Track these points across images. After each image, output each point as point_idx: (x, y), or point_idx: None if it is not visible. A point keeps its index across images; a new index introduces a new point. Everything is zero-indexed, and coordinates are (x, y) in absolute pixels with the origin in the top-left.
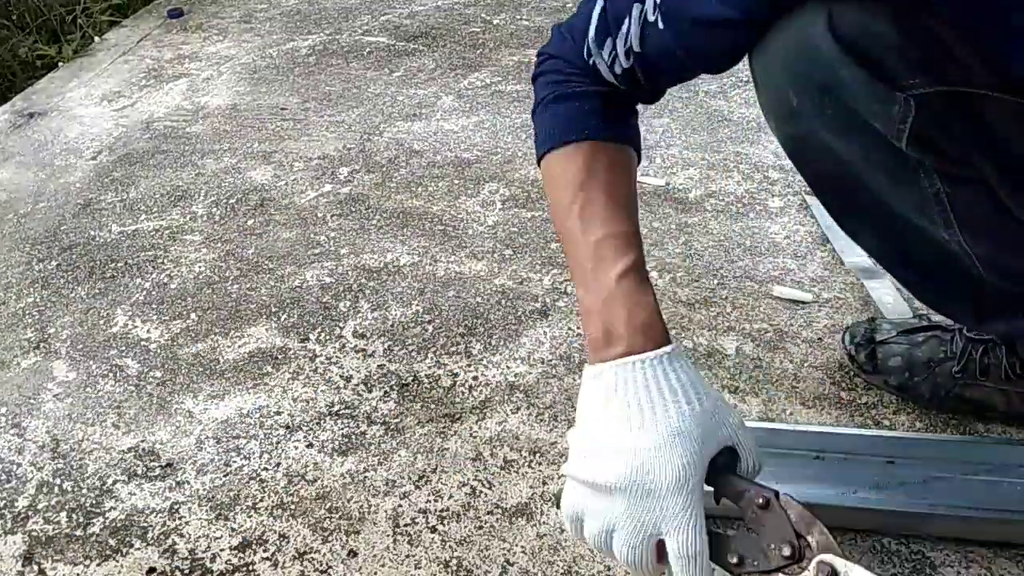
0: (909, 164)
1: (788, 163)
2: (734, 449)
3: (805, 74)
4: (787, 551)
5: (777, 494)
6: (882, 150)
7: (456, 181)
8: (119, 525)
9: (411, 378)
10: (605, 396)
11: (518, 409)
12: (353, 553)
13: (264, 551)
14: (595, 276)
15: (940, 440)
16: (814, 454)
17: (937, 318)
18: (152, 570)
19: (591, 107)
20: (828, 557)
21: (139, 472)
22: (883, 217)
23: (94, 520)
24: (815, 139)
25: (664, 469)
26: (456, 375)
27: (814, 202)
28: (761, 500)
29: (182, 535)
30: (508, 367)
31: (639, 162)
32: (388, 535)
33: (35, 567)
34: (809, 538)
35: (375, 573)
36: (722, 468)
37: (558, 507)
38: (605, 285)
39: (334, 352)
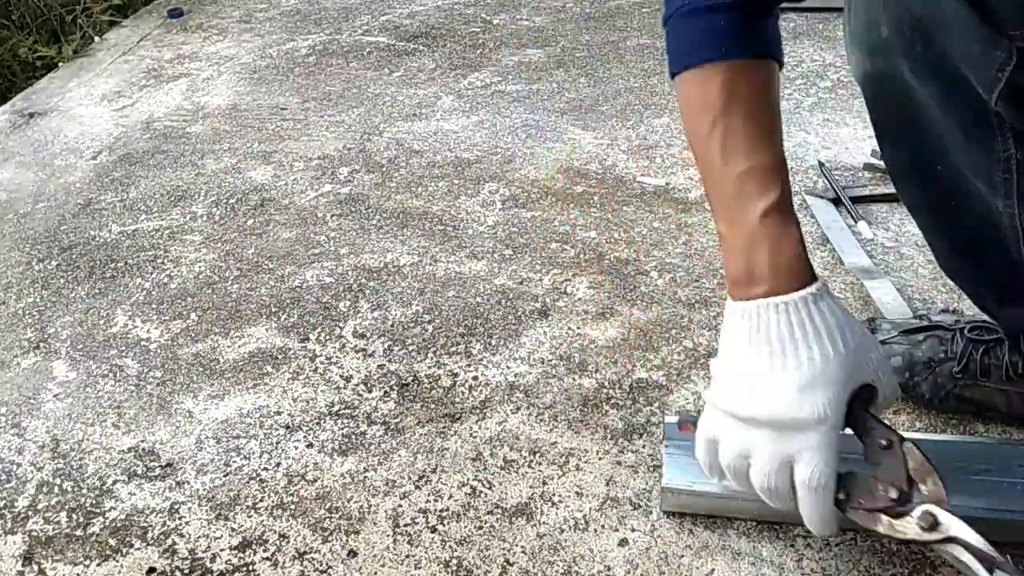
0: (988, 121)
1: (788, 163)
2: (873, 385)
3: (904, 5)
4: (894, 494)
5: (902, 439)
6: (964, 101)
7: (456, 181)
8: (119, 525)
9: (411, 378)
10: (748, 334)
11: (518, 409)
12: (353, 553)
13: (264, 551)
14: (739, 212)
15: (939, 440)
16: None
17: (937, 318)
18: (152, 570)
19: (728, 21)
20: (934, 508)
21: (139, 472)
22: (941, 173)
23: (94, 520)
24: (896, 78)
25: (805, 408)
26: (456, 375)
27: (814, 202)
28: (885, 441)
29: (182, 535)
30: (508, 367)
31: (782, 67)
32: (388, 535)
33: (35, 567)
34: (922, 486)
35: (375, 573)
36: (858, 402)
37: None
38: (749, 221)
39: (334, 352)
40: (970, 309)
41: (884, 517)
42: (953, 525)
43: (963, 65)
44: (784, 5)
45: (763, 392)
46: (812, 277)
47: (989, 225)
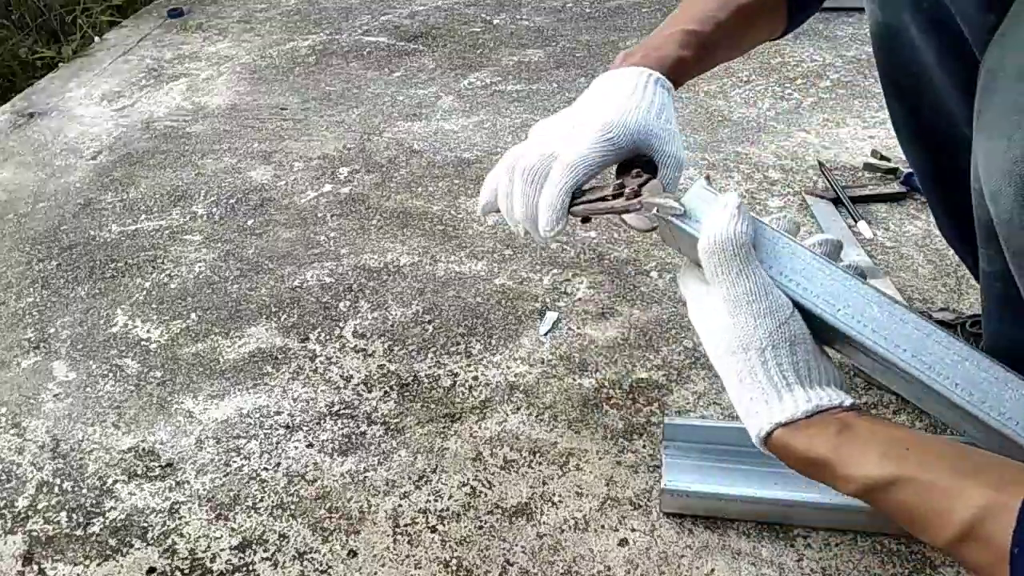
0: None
1: (788, 163)
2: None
3: None
4: (616, 186)
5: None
6: (962, 58)
7: (456, 181)
8: (119, 525)
9: (411, 378)
10: (588, 89)
11: (518, 409)
12: (353, 553)
13: (264, 551)
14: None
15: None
16: None
17: (938, 316)
18: (152, 570)
19: None
20: (654, 186)
21: (139, 472)
22: (940, 128)
23: (94, 520)
24: (902, 31)
25: (577, 131)
26: (456, 375)
27: (814, 202)
28: (638, 178)
29: (182, 535)
30: (508, 367)
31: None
32: (388, 535)
33: (35, 567)
34: (644, 189)
35: (375, 573)
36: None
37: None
38: (662, 33)
39: (334, 352)
40: (970, 309)
41: (603, 202)
42: (654, 192)
43: (961, 23)
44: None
45: (563, 115)
46: (665, 70)
47: None
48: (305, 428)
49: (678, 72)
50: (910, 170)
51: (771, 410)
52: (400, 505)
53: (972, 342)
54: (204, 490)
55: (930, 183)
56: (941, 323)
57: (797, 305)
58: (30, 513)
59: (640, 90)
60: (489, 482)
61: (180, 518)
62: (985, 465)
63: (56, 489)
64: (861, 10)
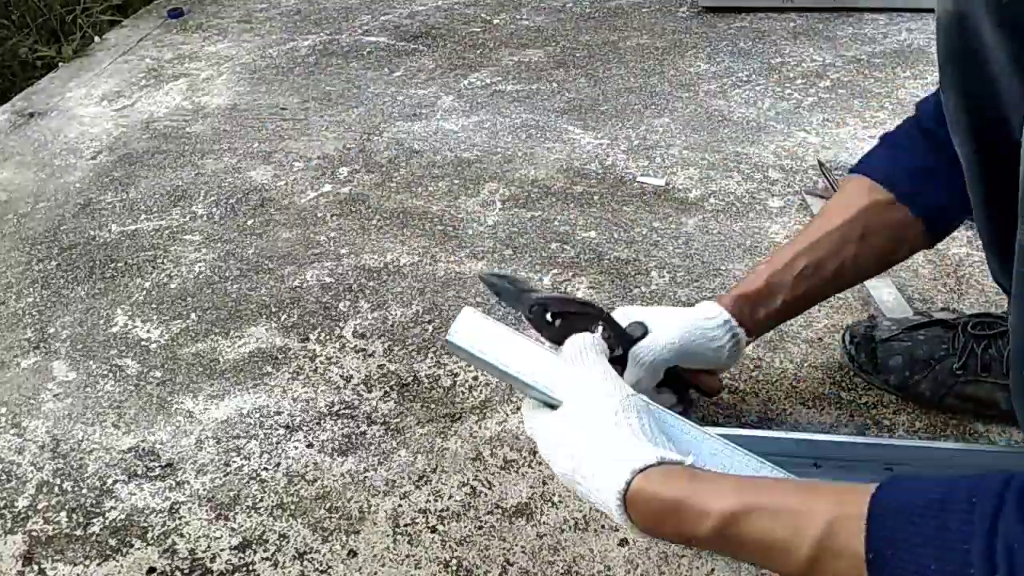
0: None
1: (788, 163)
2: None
3: None
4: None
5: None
6: None
7: (456, 181)
8: (119, 525)
9: (411, 378)
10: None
11: (518, 409)
12: (353, 553)
13: (264, 551)
14: None
15: (939, 447)
16: (812, 461)
17: (939, 315)
18: (152, 570)
19: (899, 140)
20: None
21: (139, 472)
22: (989, 118)
23: (94, 520)
24: (971, 24)
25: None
26: (456, 375)
27: (814, 202)
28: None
29: (182, 535)
30: None
31: (926, 236)
32: (388, 535)
33: (35, 567)
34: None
35: (375, 573)
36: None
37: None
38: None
39: (334, 352)
40: (970, 308)
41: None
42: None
43: None
44: (785, 5)
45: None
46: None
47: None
48: (305, 428)
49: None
50: None
51: (628, 461)
52: (400, 505)
53: (974, 342)
54: (204, 490)
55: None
56: (942, 322)
57: None
58: (30, 513)
59: (709, 331)
60: (489, 482)
61: (180, 518)
62: (825, 487)
63: (56, 489)
64: (861, 10)
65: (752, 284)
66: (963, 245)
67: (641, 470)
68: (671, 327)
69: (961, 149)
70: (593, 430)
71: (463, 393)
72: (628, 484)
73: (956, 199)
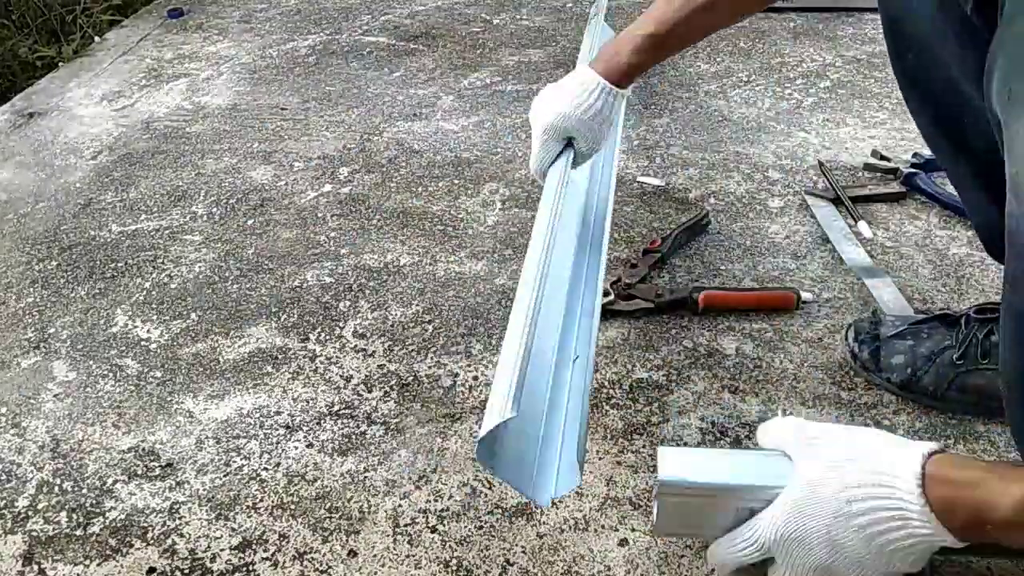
0: (976, 32)
1: (788, 163)
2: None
3: None
4: None
5: None
6: (954, 13)
7: (456, 181)
8: (119, 525)
9: (411, 378)
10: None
11: None
12: (353, 553)
13: (264, 551)
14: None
15: None
16: None
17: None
18: (152, 570)
19: None
20: None
21: (139, 472)
22: (945, 90)
23: (94, 520)
24: (915, 19)
25: (538, 116)
26: (456, 375)
27: (814, 202)
28: None
29: (182, 535)
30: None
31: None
32: (388, 535)
33: (35, 567)
34: None
35: (375, 573)
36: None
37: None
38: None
39: (334, 352)
40: None
41: None
42: None
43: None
44: (783, 5)
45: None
46: (619, 79)
47: (979, 121)
48: (305, 428)
49: (630, 75)
50: (910, 170)
51: (914, 447)
52: (400, 505)
53: (976, 327)
54: (204, 490)
55: (941, 135)
56: (946, 316)
57: None
58: (30, 513)
59: (583, 95)
60: (489, 482)
61: (180, 518)
62: None
63: (56, 489)
64: (861, 10)
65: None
66: (963, 245)
67: (930, 455)
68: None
69: (910, 96)
70: (856, 440)
71: (463, 393)
72: (923, 467)
73: None
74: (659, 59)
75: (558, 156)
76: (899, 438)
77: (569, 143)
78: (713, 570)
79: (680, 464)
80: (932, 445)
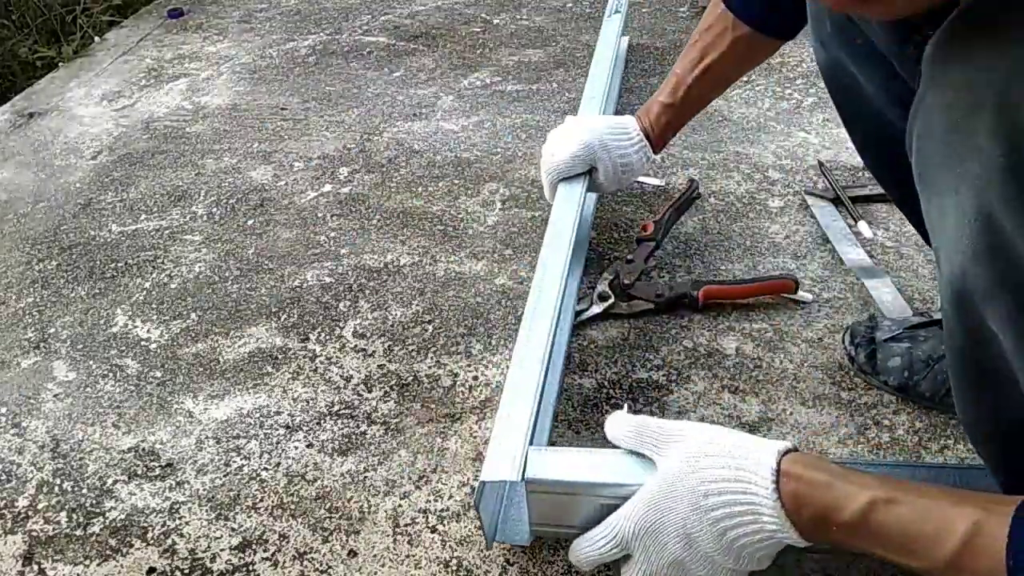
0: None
1: (788, 163)
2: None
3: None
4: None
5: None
6: (897, 79)
7: (456, 181)
8: (119, 525)
9: (411, 378)
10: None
11: None
12: (353, 553)
13: (264, 551)
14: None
15: (938, 466)
16: None
17: (939, 316)
18: (152, 570)
19: None
20: None
21: (139, 472)
22: (888, 143)
23: (94, 520)
24: (842, 66)
25: (560, 145)
26: (456, 375)
27: (814, 202)
28: None
29: (182, 535)
30: (508, 367)
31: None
32: (388, 535)
33: (35, 567)
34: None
35: (375, 573)
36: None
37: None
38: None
39: (334, 352)
40: None
41: None
42: None
43: (888, 55)
44: None
45: (557, 136)
46: (646, 131)
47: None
48: (305, 428)
49: (661, 138)
50: None
51: (771, 444)
52: (400, 505)
53: None
54: (204, 490)
55: (896, 194)
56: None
57: None
58: (30, 513)
59: (623, 135)
60: None
61: (180, 518)
62: (971, 493)
63: (56, 489)
64: None
65: (659, 118)
66: None
67: (785, 452)
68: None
69: (868, 163)
70: (714, 436)
71: (463, 393)
72: (778, 464)
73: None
74: (684, 119)
75: (575, 177)
76: (755, 437)
77: (590, 172)
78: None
79: (546, 463)
80: (787, 444)
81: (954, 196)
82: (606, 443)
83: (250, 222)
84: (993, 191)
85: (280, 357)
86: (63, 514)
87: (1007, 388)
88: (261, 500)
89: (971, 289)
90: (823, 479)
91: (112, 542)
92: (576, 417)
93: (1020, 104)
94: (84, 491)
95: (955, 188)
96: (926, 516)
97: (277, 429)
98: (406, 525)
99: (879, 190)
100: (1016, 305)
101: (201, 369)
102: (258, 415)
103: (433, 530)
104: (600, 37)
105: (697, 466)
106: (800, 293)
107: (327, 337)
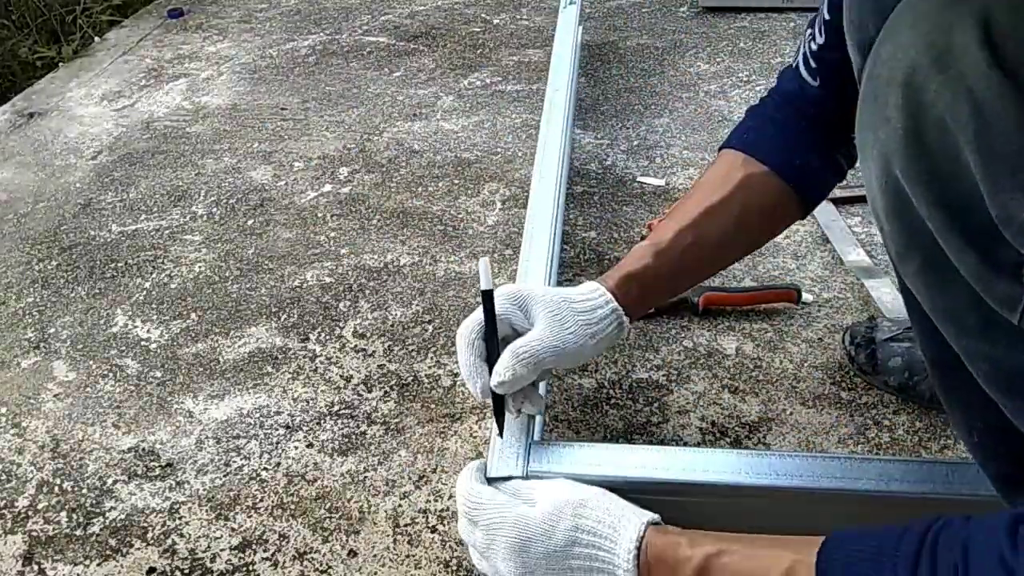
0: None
1: None
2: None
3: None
4: None
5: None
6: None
7: (456, 181)
8: (119, 525)
9: (411, 378)
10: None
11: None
12: (353, 553)
13: (264, 551)
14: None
15: (937, 462)
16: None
17: None
18: (152, 570)
19: (768, 116)
20: None
21: (139, 472)
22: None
23: (94, 520)
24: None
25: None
26: (456, 375)
27: None
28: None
29: (182, 535)
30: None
31: (803, 203)
32: (388, 535)
33: (35, 567)
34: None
35: (375, 573)
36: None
37: None
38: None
39: (334, 352)
40: None
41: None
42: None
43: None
44: (785, 5)
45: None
46: (611, 297)
47: None
48: (305, 428)
49: (638, 304)
50: None
51: (639, 513)
52: (400, 505)
53: None
54: (204, 490)
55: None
56: None
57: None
58: (30, 513)
59: (592, 324)
60: None
61: (180, 518)
62: (791, 539)
63: (56, 489)
64: None
65: (637, 262)
66: None
67: (650, 524)
68: (553, 325)
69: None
70: (580, 513)
71: (463, 393)
72: (643, 533)
73: (828, 165)
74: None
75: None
76: (622, 501)
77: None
78: None
79: (549, 458)
80: (654, 516)
81: (870, 160)
82: (606, 442)
83: (250, 222)
84: (896, 158)
85: (280, 357)
86: (63, 514)
87: (958, 365)
88: (261, 500)
89: (890, 246)
90: (675, 540)
91: (112, 542)
92: (576, 417)
93: (923, 86)
94: (84, 491)
95: (872, 152)
96: (751, 563)
97: (277, 429)
98: (406, 525)
99: None
100: (924, 261)
101: (201, 369)
102: (258, 415)
103: (433, 530)
104: (556, 36)
105: (579, 512)
106: (801, 290)
107: (327, 337)
